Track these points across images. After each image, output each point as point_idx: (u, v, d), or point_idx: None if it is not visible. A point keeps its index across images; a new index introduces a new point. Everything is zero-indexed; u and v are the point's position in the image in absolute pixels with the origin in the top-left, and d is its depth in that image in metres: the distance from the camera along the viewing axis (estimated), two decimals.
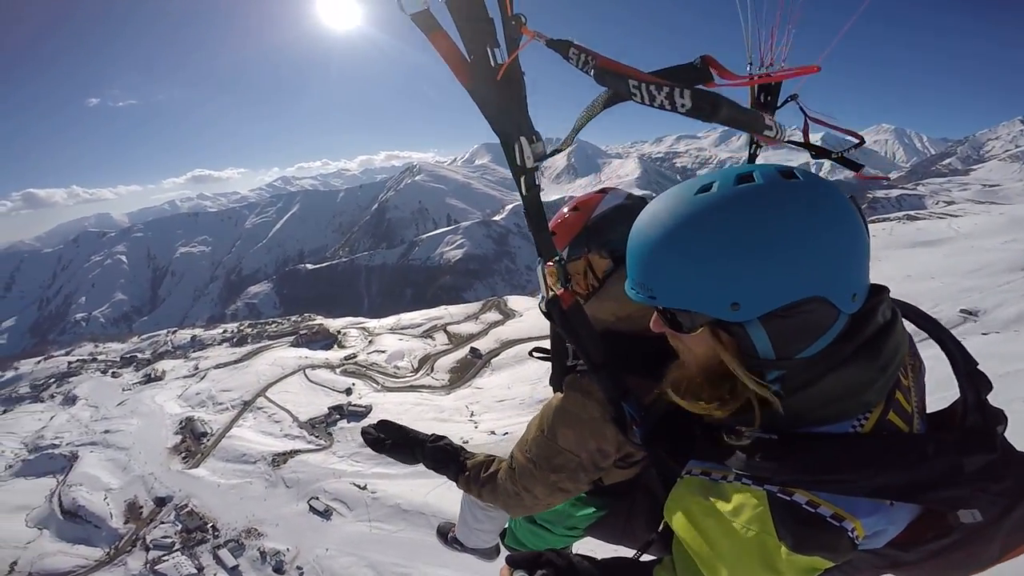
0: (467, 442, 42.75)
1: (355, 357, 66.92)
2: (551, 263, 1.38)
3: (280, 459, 45.35)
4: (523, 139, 1.24)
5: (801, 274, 0.91)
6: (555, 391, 1.66)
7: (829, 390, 0.98)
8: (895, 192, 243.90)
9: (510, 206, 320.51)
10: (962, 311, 43.97)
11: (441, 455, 2.03)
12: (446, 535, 3.18)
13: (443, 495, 37.50)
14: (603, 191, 1.80)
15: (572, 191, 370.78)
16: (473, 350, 64.07)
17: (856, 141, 1.47)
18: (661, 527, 1.31)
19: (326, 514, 38.48)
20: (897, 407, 1.04)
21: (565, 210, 1.83)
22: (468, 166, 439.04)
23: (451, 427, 45.29)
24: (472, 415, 47.95)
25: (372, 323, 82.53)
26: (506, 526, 2.66)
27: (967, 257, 58.16)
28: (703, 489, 1.05)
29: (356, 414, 49.37)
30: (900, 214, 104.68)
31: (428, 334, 74.63)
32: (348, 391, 55.77)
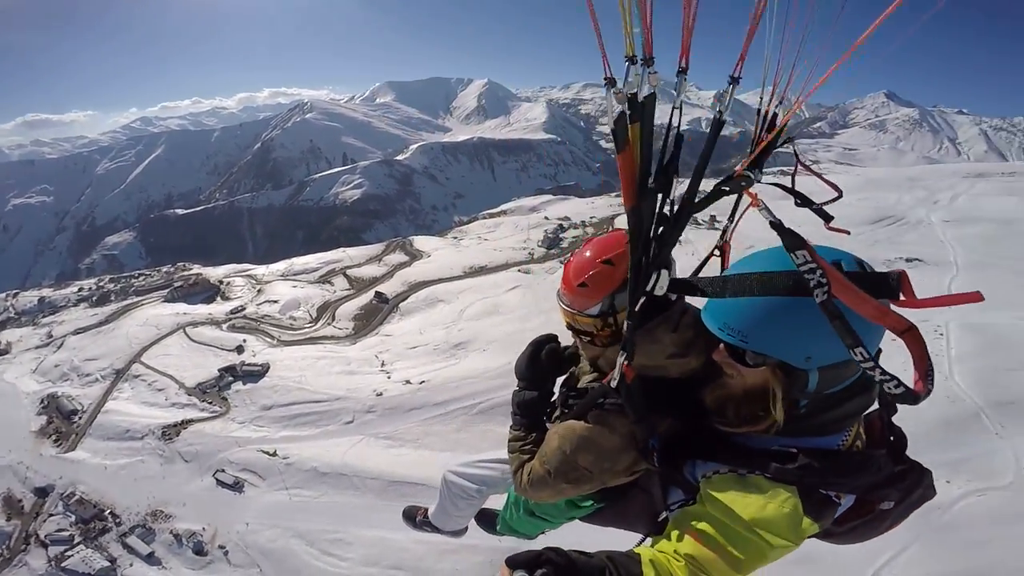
0: (381, 394, 41.21)
1: (243, 310, 60.71)
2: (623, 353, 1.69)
3: (171, 431, 40.71)
4: (664, 271, 1.55)
5: (863, 337, 1.32)
6: (569, 417, 1.97)
7: (835, 416, 1.56)
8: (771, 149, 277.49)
9: (415, 145, 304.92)
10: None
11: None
12: (413, 518, 3.75)
13: (361, 453, 36.06)
14: None
15: (481, 132, 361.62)
16: (378, 295, 60.83)
17: (835, 194, 2.02)
18: (663, 516, 1.93)
19: (237, 487, 35.46)
20: (856, 429, 1.66)
21: (588, 255, 2.02)
22: (368, 104, 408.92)
23: (361, 379, 43.21)
24: (383, 365, 45.94)
25: (260, 270, 75.08)
26: (501, 515, 3.18)
27: (828, 209, 67.83)
28: (737, 481, 1.54)
29: (252, 374, 45.20)
30: (775, 169, 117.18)
31: (326, 279, 69.49)
32: (239, 349, 50.71)
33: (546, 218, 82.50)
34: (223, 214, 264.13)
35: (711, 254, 2.39)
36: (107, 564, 32.38)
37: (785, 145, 2.07)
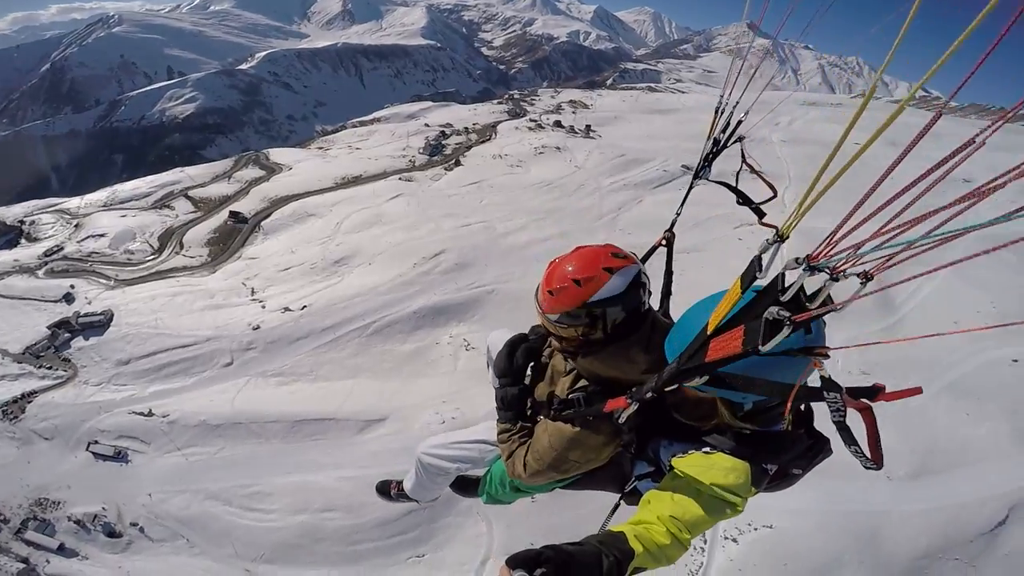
0: (259, 327, 35.78)
1: (61, 250, 48.53)
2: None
3: (12, 409, 31.85)
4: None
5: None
6: (559, 420, 2.29)
7: (775, 414, 1.97)
8: (641, 66, 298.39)
9: (261, 53, 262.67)
10: (683, 165, 58.61)
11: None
12: (388, 492, 4.08)
13: (251, 397, 31.34)
14: (610, 269, 2.12)
15: (347, 37, 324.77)
16: (233, 214, 52.09)
17: (771, 194, 2.60)
18: (632, 484, 2.35)
19: (120, 457, 29.61)
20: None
21: (569, 268, 2.17)
22: (199, 13, 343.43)
23: (231, 313, 36.96)
24: (254, 293, 39.68)
25: (73, 202, 60.39)
26: (486, 490, 3.32)
27: (689, 126, 72.79)
28: (705, 457, 1.94)
29: (93, 326, 36.24)
30: (643, 85, 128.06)
31: (163, 204, 57.92)
32: (68, 298, 40.46)
33: (426, 125, 76.74)
34: (8, 146, 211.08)
35: (659, 243, 2.96)
36: (22, 566, 26.62)
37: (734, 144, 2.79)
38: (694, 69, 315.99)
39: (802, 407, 2.12)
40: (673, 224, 3.08)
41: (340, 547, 25.32)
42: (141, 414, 30.68)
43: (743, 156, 2.80)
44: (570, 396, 2.26)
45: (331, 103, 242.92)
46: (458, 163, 62.00)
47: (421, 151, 66.17)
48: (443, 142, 68.78)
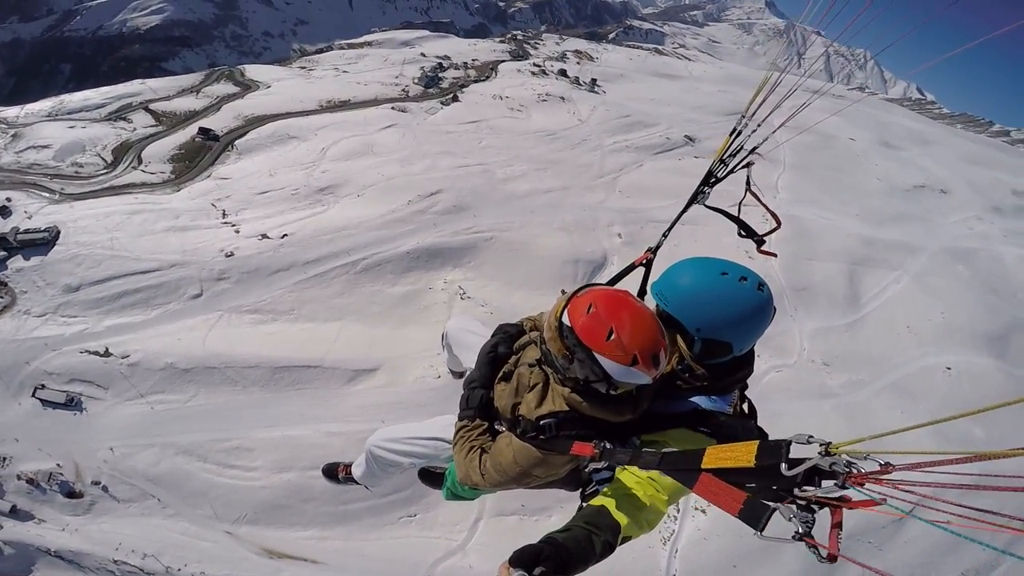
0: (232, 254, 31.81)
1: None
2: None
3: None
4: None
5: (731, 334, 2.12)
6: (518, 436, 2.27)
7: (729, 382, 2.25)
8: (647, 26, 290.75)
9: None
10: (686, 136, 57.06)
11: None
12: (335, 475, 4.07)
13: (224, 335, 27.60)
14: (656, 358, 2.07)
15: None
16: (203, 131, 46.59)
17: (775, 225, 2.81)
18: (592, 487, 2.34)
19: (73, 404, 25.27)
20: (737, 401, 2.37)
21: (640, 337, 2.04)
22: None
23: (199, 237, 32.55)
24: (225, 216, 35.37)
25: (11, 111, 52.80)
26: (448, 487, 3.15)
27: (693, 95, 72.24)
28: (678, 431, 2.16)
29: (35, 244, 30.97)
30: (649, 46, 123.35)
31: (119, 116, 51.45)
32: (3, 211, 35.07)
33: (422, 55, 71.00)
34: None
35: (638, 263, 2.96)
36: None
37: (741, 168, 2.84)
38: (699, 37, 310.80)
39: (746, 405, 2.45)
40: (659, 246, 3.07)
41: (330, 507, 23.13)
42: (96, 353, 26.21)
43: (748, 184, 2.82)
44: (541, 423, 2.19)
45: (314, 22, 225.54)
46: (456, 99, 57.39)
47: (416, 81, 61.05)
48: (440, 75, 63.56)
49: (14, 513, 22.86)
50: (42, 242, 31.24)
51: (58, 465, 23.52)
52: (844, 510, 1.34)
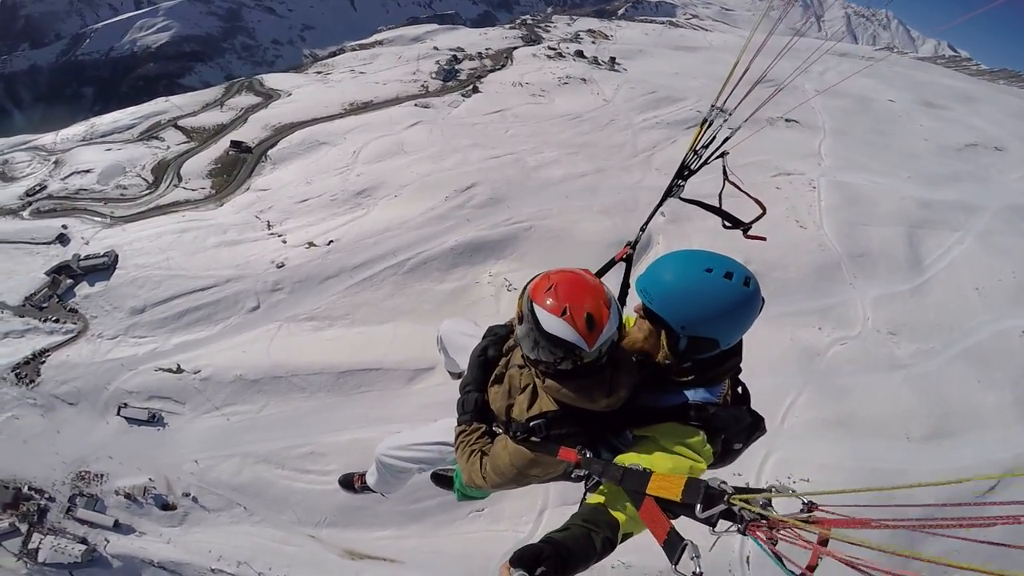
0: (283, 264, 32.29)
1: (44, 188, 43.57)
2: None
3: (26, 371, 28.11)
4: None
5: (717, 330, 2.08)
6: (520, 444, 2.24)
7: (717, 373, 2.20)
8: None
9: None
10: (715, 107, 52.55)
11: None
12: (352, 485, 4.11)
13: (286, 345, 28.24)
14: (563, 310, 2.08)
15: None
16: (235, 144, 47.28)
17: (760, 212, 2.65)
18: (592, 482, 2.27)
19: (156, 421, 26.59)
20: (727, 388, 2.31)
21: (583, 302, 2.09)
22: None
23: (249, 250, 33.24)
24: (270, 227, 35.91)
25: (47, 138, 54.38)
26: (457, 488, 3.24)
27: (717, 67, 68.46)
28: (664, 424, 2.16)
29: (96, 269, 32.01)
30: (662, 19, 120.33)
31: (151, 135, 52.47)
32: (62, 239, 36.04)
33: (435, 48, 70.31)
34: None
35: (618, 259, 2.96)
36: (83, 547, 24.07)
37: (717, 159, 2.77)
38: (711, 5, 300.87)
39: (739, 389, 2.40)
40: (637, 241, 3.04)
41: (403, 506, 23.60)
42: (169, 371, 27.36)
43: (725, 173, 2.80)
44: (531, 424, 2.22)
45: (319, 26, 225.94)
46: (476, 89, 56.88)
47: (434, 75, 60.63)
48: (456, 67, 63.02)
49: (117, 527, 24.26)
50: (103, 267, 32.24)
51: (150, 479, 24.74)
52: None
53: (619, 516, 1.85)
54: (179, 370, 27.42)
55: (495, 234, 35.52)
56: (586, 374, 2.11)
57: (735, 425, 2.21)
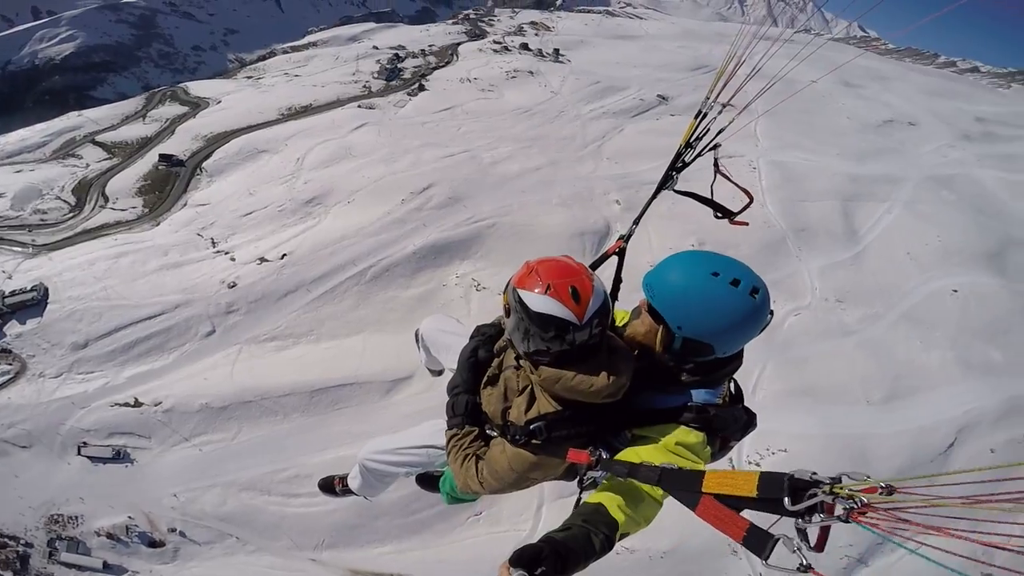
0: (235, 284, 30.27)
1: None
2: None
3: None
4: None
5: (714, 338, 2.03)
6: (519, 446, 2.17)
7: (718, 376, 2.17)
8: None
9: None
10: (659, 95, 57.32)
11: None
12: (333, 489, 3.89)
13: (251, 369, 26.63)
14: (547, 287, 2.04)
15: None
16: (164, 157, 44.09)
17: (748, 201, 2.75)
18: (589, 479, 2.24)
19: (122, 457, 24.62)
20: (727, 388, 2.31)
21: (564, 279, 2.07)
22: None
23: (195, 271, 30.79)
24: (215, 244, 33.59)
25: None
26: (445, 491, 3.08)
27: (655, 54, 72.40)
28: (664, 425, 2.11)
29: (26, 305, 28.49)
30: (600, 9, 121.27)
31: (67, 153, 48.19)
32: None
33: (375, 47, 68.26)
34: None
35: (611, 252, 2.90)
36: None
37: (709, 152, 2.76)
38: None
39: (732, 386, 2.37)
40: (630, 236, 2.96)
41: (400, 519, 22.90)
42: (127, 405, 25.24)
43: (716, 166, 2.80)
44: (531, 427, 2.14)
45: (244, 30, 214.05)
46: (422, 88, 55.60)
47: (376, 75, 58.84)
48: (399, 65, 61.43)
49: (107, 569, 22.70)
50: (32, 303, 28.94)
51: (130, 517, 23.13)
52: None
53: (618, 516, 1.84)
54: (137, 403, 25.36)
55: (458, 234, 34.77)
56: (582, 357, 2.05)
57: (733, 425, 2.21)
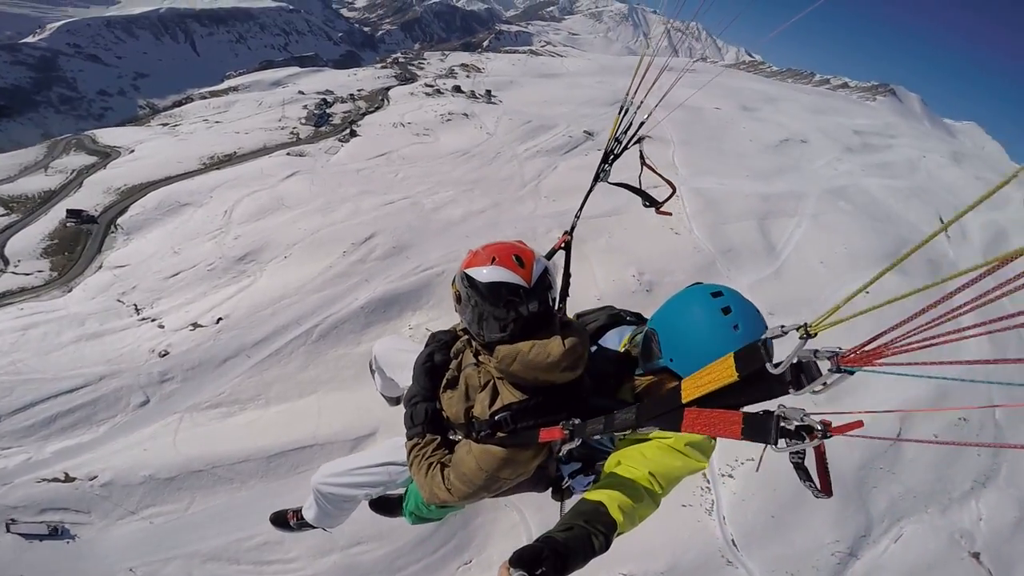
0: (167, 352, 27.88)
1: None
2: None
3: None
4: None
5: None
6: (485, 442, 2.11)
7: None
8: (515, 28, 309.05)
9: (55, 24, 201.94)
10: (585, 131, 59.29)
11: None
12: (287, 523, 3.59)
13: (195, 437, 24.46)
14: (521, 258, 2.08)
15: (173, 3, 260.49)
16: (73, 213, 40.48)
17: (671, 191, 3.13)
18: (566, 483, 2.46)
19: (61, 533, 21.61)
20: None
21: (506, 253, 2.10)
22: None
23: (119, 340, 27.90)
24: (139, 311, 30.89)
25: None
26: (408, 510, 3.07)
27: (578, 91, 76.00)
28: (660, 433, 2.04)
29: None
30: (526, 48, 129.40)
31: None
32: None
33: (301, 92, 66.96)
34: None
35: (558, 246, 2.93)
36: None
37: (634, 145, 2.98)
38: (560, 31, 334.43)
39: None
40: (573, 228, 3.06)
41: None
42: (57, 480, 22.32)
43: (642, 158, 3.02)
44: (496, 417, 2.08)
45: (156, 74, 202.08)
46: (354, 133, 55.04)
47: (304, 121, 57.70)
48: (328, 111, 60.64)
49: None
50: None
51: None
52: (826, 445, 1.33)
53: (618, 516, 1.84)
54: (69, 478, 22.48)
55: (406, 284, 34.16)
56: (536, 328, 2.05)
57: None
